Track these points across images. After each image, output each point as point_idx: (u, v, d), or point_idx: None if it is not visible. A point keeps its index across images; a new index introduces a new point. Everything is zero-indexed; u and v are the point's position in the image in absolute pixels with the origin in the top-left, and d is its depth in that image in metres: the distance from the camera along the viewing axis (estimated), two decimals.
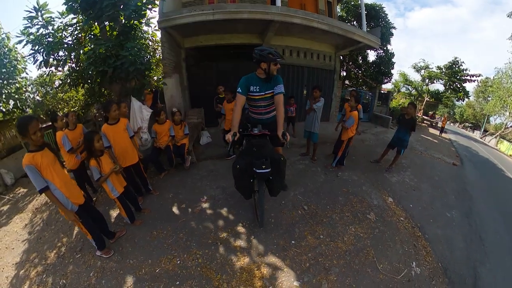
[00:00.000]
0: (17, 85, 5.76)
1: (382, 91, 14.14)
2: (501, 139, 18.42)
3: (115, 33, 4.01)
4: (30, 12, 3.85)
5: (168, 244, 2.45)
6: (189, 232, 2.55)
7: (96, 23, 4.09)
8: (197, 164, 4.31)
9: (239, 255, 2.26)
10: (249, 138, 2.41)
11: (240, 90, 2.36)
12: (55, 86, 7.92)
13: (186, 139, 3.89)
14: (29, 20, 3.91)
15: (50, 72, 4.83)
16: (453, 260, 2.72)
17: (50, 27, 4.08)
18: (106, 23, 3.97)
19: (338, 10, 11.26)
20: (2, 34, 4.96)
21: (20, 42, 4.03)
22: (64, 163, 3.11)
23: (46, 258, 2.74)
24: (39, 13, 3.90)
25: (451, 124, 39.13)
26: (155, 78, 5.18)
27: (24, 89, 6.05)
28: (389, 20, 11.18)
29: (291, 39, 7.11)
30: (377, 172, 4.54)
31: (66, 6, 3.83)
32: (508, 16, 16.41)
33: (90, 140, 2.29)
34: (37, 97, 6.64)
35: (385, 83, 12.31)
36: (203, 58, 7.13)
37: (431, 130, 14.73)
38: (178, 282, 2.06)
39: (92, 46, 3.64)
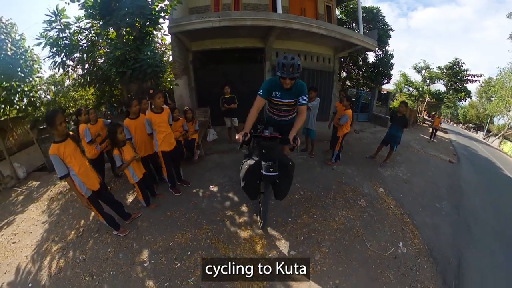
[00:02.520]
0: (32, 83, 6.02)
1: (383, 92, 14.40)
2: (504, 139, 18.37)
3: (131, 37, 4.38)
4: (50, 16, 4.23)
5: (181, 222, 2.80)
6: (200, 212, 2.91)
7: (112, 29, 4.49)
8: (205, 157, 4.68)
9: (243, 229, 2.61)
10: (260, 140, 2.37)
11: (261, 93, 2.36)
12: (65, 86, 8.43)
13: (196, 134, 4.27)
14: (49, 24, 4.29)
15: (66, 72, 5.23)
16: (439, 243, 2.98)
17: (67, 31, 4.47)
18: (123, 28, 4.39)
19: (338, 12, 11.63)
20: (17, 35, 5.20)
21: (39, 44, 4.41)
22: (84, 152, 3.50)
23: (66, 237, 3.07)
24: (58, 18, 4.29)
25: (454, 125, 38.94)
26: (169, 79, 5.58)
27: (38, 88, 6.35)
28: (386, 22, 11.53)
29: (291, 42, 7.48)
30: (371, 166, 4.84)
31: (85, 12, 4.21)
32: (508, 17, 16.53)
33: (114, 132, 2.62)
34: (48, 96, 6.95)
35: (385, 83, 12.58)
36: (209, 61, 7.51)
37: (431, 130, 14.91)
38: (189, 252, 2.40)
39: (111, 49, 4.03)
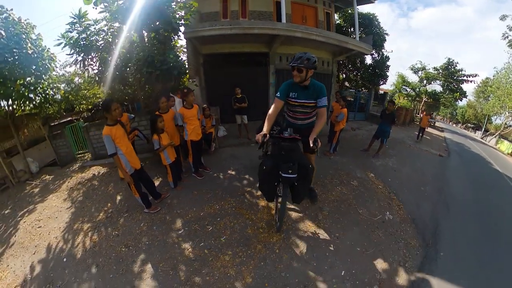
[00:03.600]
0: (49, 80, 6.27)
1: (381, 92, 15.11)
2: (501, 139, 18.68)
3: (155, 42, 4.81)
4: (73, 18, 4.66)
5: (208, 198, 3.44)
6: (223, 189, 3.57)
7: (135, 32, 4.88)
8: (219, 150, 5.36)
9: (260, 199, 3.27)
10: (279, 141, 2.34)
11: (279, 95, 2.42)
12: (76, 84, 8.85)
13: (213, 129, 4.95)
14: (71, 26, 4.70)
15: (86, 70, 5.57)
16: (420, 214, 3.57)
17: (87, 32, 4.84)
18: (145, 32, 4.86)
19: (336, 18, 12.35)
20: (33, 35, 5.42)
21: (59, 44, 4.74)
22: None
23: (95, 218, 3.35)
24: (80, 20, 4.71)
25: (454, 125, 39.50)
26: (189, 80, 6.17)
27: (53, 85, 6.59)
28: (382, 27, 12.36)
29: (294, 47, 8.17)
30: (365, 158, 5.49)
31: (111, 16, 4.57)
32: (501, 19, 17.12)
33: (155, 121, 3.23)
34: (58, 95, 7.12)
35: (381, 84, 13.28)
36: (217, 64, 8.15)
37: (428, 129, 15.52)
38: (219, 219, 2.99)
39: (138, 51, 4.53)
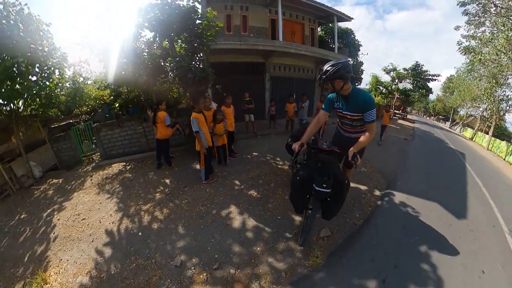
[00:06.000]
0: (56, 80, 6.00)
1: None
2: (466, 127, 21.55)
3: (182, 50, 5.59)
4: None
5: (247, 168, 4.66)
6: (255, 163, 5.01)
7: (168, 42, 5.45)
8: (236, 142, 6.94)
9: (286, 163, 4.87)
10: (317, 152, 2.28)
11: (324, 107, 2.38)
12: (81, 85, 8.84)
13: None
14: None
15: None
16: (385, 169, 5.35)
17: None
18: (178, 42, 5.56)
19: (319, 30, 14.50)
20: (49, 34, 5.30)
21: (79, 45, 4.86)
22: (156, 133, 4.70)
23: (153, 199, 3.68)
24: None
25: (427, 117, 43.35)
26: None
27: (61, 85, 6.49)
28: (357, 40, 15.00)
29: (286, 59, 10.04)
30: None
31: (148, 25, 4.95)
32: (455, 29, 20.07)
33: (215, 115, 4.29)
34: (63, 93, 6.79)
35: (357, 86, 15.68)
36: (221, 71, 8.97)
37: (400, 121, 18.07)
38: (263, 177, 4.23)
39: (177, 61, 4.93)
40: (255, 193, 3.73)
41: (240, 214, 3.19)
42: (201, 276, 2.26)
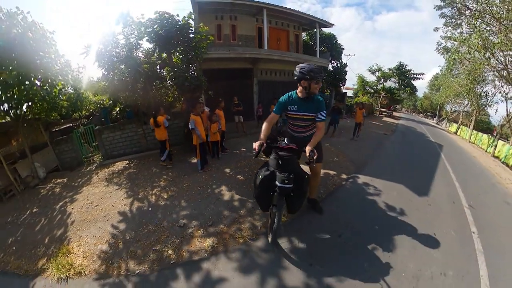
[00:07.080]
0: (60, 85, 6.23)
1: (344, 91, 18.47)
2: (452, 122, 22.49)
3: (179, 61, 6.30)
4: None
5: (236, 160, 5.46)
6: (242, 155, 5.81)
7: (165, 53, 6.04)
8: (227, 140, 7.66)
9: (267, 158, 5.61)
10: (276, 150, 2.34)
11: (275, 110, 2.46)
12: (82, 89, 8.89)
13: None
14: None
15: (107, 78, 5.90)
16: (357, 159, 6.07)
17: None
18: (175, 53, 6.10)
19: (304, 35, 15.41)
20: (54, 41, 5.48)
21: (83, 53, 5.31)
22: (156, 134, 5.30)
23: (158, 185, 4.29)
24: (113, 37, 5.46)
25: (416, 115, 44.73)
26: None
27: (65, 90, 6.77)
28: (340, 44, 16.16)
29: (272, 64, 10.80)
30: (324, 138, 8.04)
31: (148, 38, 5.46)
32: (434, 30, 21.26)
33: (211, 116, 5.20)
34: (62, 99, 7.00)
35: (340, 87, 16.66)
36: (212, 77, 9.37)
37: (385, 119, 19.00)
38: (249, 165, 5.06)
39: (174, 70, 5.70)
40: (242, 177, 4.50)
41: (229, 191, 3.92)
42: (199, 232, 2.93)
